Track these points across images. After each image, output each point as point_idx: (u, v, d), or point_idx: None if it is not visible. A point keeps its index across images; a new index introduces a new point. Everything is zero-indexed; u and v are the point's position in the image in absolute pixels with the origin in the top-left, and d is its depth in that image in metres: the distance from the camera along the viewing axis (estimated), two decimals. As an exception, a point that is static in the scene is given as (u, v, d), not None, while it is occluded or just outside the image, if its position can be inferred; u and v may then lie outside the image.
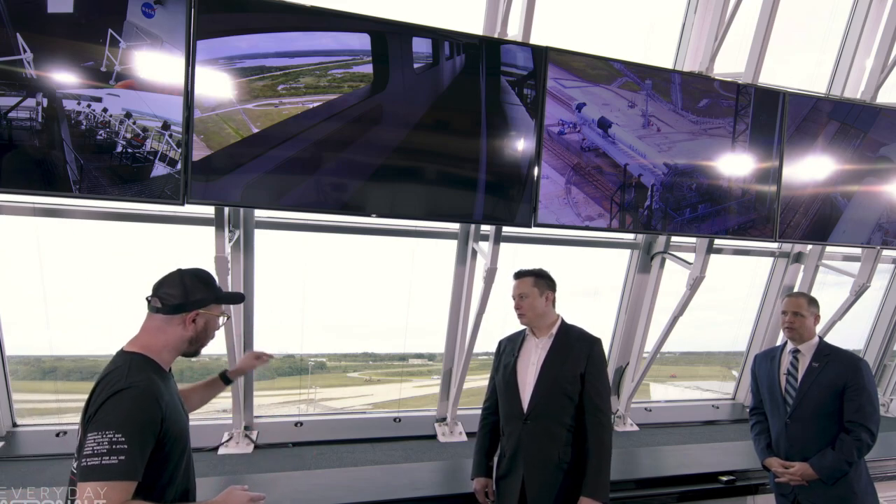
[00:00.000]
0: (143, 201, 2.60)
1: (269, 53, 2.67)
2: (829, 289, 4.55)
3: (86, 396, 1.46)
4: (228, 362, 3.09)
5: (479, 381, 3.98)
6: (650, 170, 3.40)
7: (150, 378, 1.44)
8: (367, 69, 2.82)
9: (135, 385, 1.38)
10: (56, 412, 3.41)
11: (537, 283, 2.38)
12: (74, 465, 1.43)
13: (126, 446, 1.31)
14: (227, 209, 2.84)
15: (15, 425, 3.27)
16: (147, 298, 1.56)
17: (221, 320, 1.64)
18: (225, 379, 2.05)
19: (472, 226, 3.49)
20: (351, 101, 2.79)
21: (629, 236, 4.10)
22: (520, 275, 2.42)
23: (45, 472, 2.87)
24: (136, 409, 1.36)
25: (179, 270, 1.58)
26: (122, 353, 1.51)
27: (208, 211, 2.86)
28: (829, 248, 4.43)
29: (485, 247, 3.38)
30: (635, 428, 4.20)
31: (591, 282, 4.36)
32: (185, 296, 1.54)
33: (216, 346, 3.10)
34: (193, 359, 1.66)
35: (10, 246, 3.18)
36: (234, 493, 1.54)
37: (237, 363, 2.11)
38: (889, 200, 4.09)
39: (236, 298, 1.76)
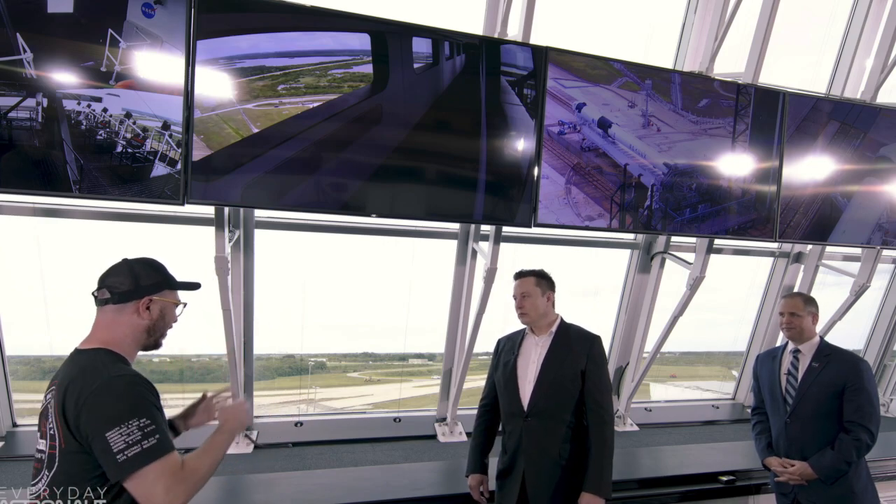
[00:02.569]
0: (143, 201, 2.60)
1: (269, 53, 2.67)
2: (829, 289, 4.55)
3: None
4: (228, 363, 3.09)
5: (479, 381, 3.97)
6: (650, 170, 3.40)
7: (128, 368, 1.43)
8: (367, 69, 2.82)
9: (122, 374, 1.37)
10: (56, 412, 3.40)
11: (539, 282, 2.39)
12: (47, 473, 1.38)
13: (154, 426, 1.33)
14: (227, 209, 2.84)
15: (15, 425, 3.27)
16: (93, 293, 1.50)
17: (179, 308, 1.58)
18: (173, 428, 1.81)
19: (472, 226, 3.49)
20: (351, 101, 2.79)
21: (629, 236, 4.10)
22: (521, 275, 2.44)
23: (45, 472, 2.87)
24: (139, 392, 1.36)
25: (126, 259, 1.52)
26: (82, 353, 1.44)
27: (208, 211, 2.86)
28: (829, 248, 4.42)
29: (485, 247, 3.38)
30: (635, 428, 4.20)
31: (591, 282, 4.36)
32: (134, 282, 1.47)
33: (216, 347, 3.13)
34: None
35: (10, 246, 3.18)
36: (228, 412, 1.62)
37: (194, 417, 1.82)
38: (889, 200, 4.09)
39: (191, 286, 1.63)
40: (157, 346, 1.56)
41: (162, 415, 1.41)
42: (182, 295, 1.61)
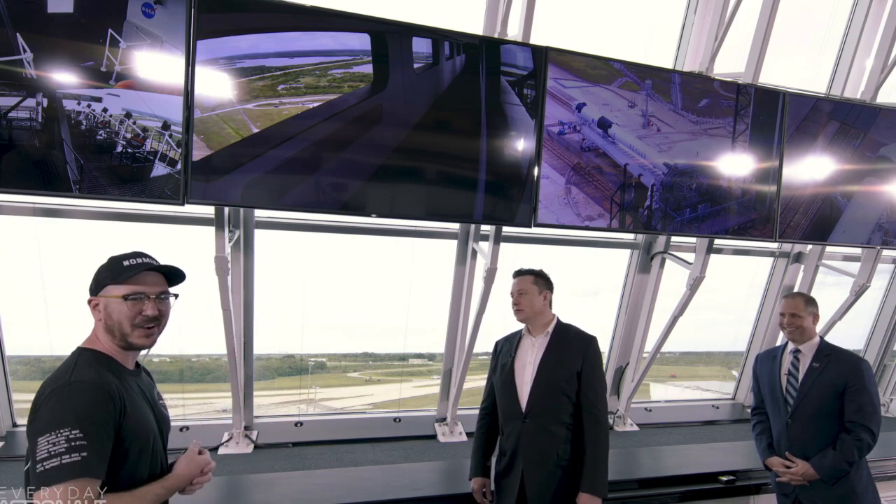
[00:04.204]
0: (143, 201, 2.60)
1: (269, 53, 2.67)
2: (829, 289, 4.55)
3: None
4: (228, 363, 3.09)
5: (479, 382, 3.97)
6: (650, 170, 3.40)
7: (98, 373, 1.36)
8: (367, 69, 2.82)
9: (81, 380, 1.31)
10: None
11: (537, 281, 2.41)
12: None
13: (85, 442, 1.24)
14: (227, 209, 2.84)
15: (15, 425, 3.27)
16: None
17: (129, 304, 1.42)
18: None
19: (472, 226, 3.49)
20: (351, 101, 2.79)
21: (629, 236, 4.10)
22: (519, 273, 2.46)
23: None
24: (89, 403, 1.29)
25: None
26: (74, 350, 1.45)
27: (208, 211, 2.86)
28: (829, 248, 4.42)
29: (485, 247, 3.38)
30: (635, 428, 4.20)
31: (591, 282, 4.36)
32: (92, 285, 1.47)
33: (216, 347, 3.13)
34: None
35: (10, 246, 3.18)
36: (186, 460, 1.50)
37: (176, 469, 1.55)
38: (889, 200, 4.09)
39: (133, 269, 1.44)
40: (132, 346, 1.45)
41: (114, 430, 1.31)
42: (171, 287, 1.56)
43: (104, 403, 1.31)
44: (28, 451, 1.32)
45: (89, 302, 1.46)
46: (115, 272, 1.45)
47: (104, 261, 1.50)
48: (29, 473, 1.33)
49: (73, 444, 1.22)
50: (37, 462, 1.22)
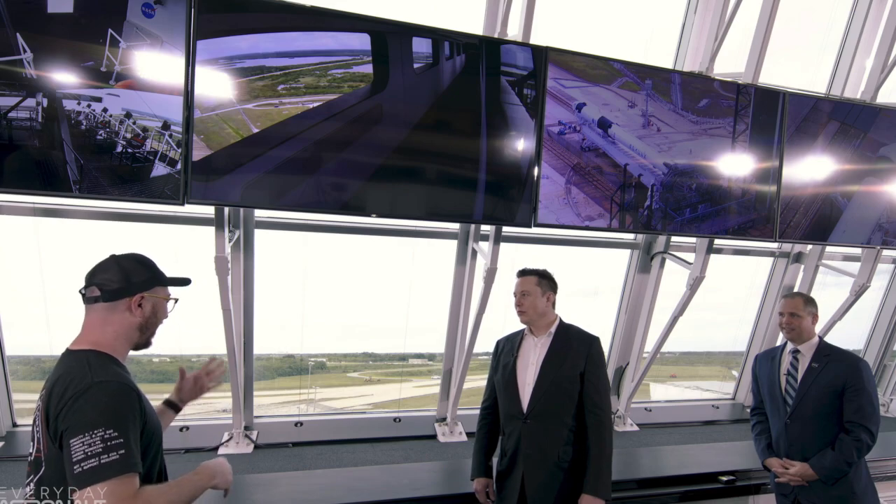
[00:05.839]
0: (143, 201, 2.60)
1: (269, 53, 2.67)
2: (829, 289, 4.55)
3: None
4: (228, 363, 3.09)
5: (479, 381, 3.97)
6: (650, 170, 3.40)
7: (117, 373, 1.37)
8: (367, 69, 2.82)
9: (106, 380, 1.31)
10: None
11: (540, 282, 2.39)
12: (34, 477, 1.36)
13: (122, 440, 1.25)
14: (227, 209, 2.84)
15: (15, 425, 3.27)
16: (81, 291, 1.46)
17: (170, 305, 1.55)
18: (172, 406, 1.85)
19: (472, 226, 3.49)
20: (351, 101, 2.79)
21: (629, 236, 4.10)
22: (524, 273, 2.43)
23: (45, 472, 2.86)
24: (118, 402, 1.30)
25: (114, 256, 1.49)
26: (71, 354, 1.41)
27: (208, 211, 2.86)
28: (829, 248, 4.42)
29: (485, 247, 3.38)
30: (635, 428, 4.20)
31: (591, 282, 4.36)
32: (125, 279, 1.44)
33: (216, 347, 3.13)
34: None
35: (10, 246, 3.18)
36: (221, 464, 1.55)
37: (184, 391, 1.86)
38: (889, 200, 4.09)
39: (183, 282, 1.60)
40: (148, 344, 1.52)
41: (140, 428, 1.34)
42: (173, 290, 1.59)
43: (132, 401, 1.33)
44: (49, 458, 1.32)
45: (132, 299, 1.44)
46: (161, 276, 1.53)
47: (127, 258, 1.49)
48: (42, 481, 1.33)
49: (108, 443, 1.24)
50: (73, 463, 1.23)
